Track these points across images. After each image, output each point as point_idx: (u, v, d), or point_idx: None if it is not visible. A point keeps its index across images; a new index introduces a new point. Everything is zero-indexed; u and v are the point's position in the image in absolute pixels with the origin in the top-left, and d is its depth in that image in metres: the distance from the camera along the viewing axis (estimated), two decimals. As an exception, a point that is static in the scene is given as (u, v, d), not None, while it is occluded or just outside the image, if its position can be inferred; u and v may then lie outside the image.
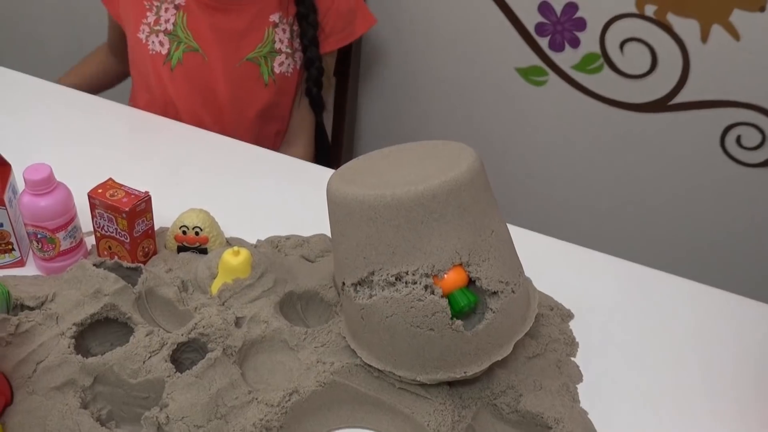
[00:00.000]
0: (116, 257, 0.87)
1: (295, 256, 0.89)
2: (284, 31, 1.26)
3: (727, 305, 0.93)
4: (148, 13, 1.23)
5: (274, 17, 1.25)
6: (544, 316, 0.86)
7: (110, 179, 0.87)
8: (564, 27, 1.29)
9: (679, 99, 1.27)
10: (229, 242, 0.92)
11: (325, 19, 1.27)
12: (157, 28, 1.23)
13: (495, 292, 0.71)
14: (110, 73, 1.40)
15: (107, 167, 0.99)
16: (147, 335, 0.76)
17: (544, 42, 1.32)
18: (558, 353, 0.83)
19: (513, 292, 0.72)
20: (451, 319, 0.70)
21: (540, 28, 1.31)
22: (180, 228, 0.88)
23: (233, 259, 0.81)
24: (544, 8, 1.29)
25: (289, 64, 1.28)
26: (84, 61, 1.41)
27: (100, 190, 0.85)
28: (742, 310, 0.92)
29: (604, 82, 1.31)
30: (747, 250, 1.35)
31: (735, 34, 1.18)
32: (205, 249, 0.89)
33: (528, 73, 1.36)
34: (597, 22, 1.26)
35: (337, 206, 0.74)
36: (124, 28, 1.27)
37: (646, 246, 1.41)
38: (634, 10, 1.22)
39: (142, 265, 0.83)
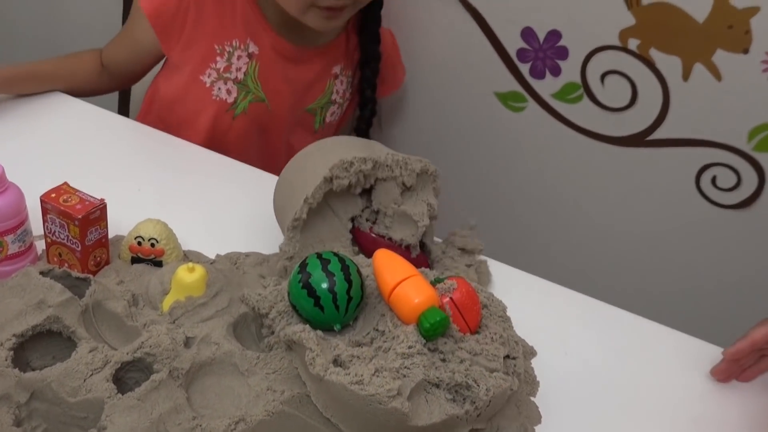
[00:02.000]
0: (66, 265, 0.84)
1: (253, 274, 0.86)
2: (342, 82, 1.27)
3: (690, 349, 0.91)
4: (219, 59, 1.17)
5: (336, 69, 1.25)
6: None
7: (65, 183, 0.84)
8: (546, 54, 1.28)
9: (657, 135, 1.26)
10: (187, 256, 0.89)
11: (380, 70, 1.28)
12: (227, 75, 1.18)
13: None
14: (87, 88, 1.24)
15: (65, 170, 0.96)
16: (90, 351, 0.73)
17: (525, 68, 1.30)
18: (518, 393, 0.80)
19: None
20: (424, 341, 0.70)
21: (522, 54, 1.30)
22: (135, 238, 0.85)
23: (187, 276, 0.78)
24: (527, 34, 1.28)
25: (338, 113, 1.29)
26: (64, 61, 1.24)
27: (53, 195, 0.82)
28: (705, 353, 0.90)
29: (582, 112, 1.30)
30: (717, 292, 1.34)
31: (717, 74, 1.17)
32: (161, 262, 0.86)
33: (507, 98, 1.35)
34: (579, 52, 1.25)
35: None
36: (172, 64, 1.19)
37: (615, 283, 1.39)
38: (617, 42, 1.21)
39: (91, 276, 0.80)
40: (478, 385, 0.70)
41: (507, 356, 0.76)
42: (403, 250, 0.88)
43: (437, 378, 0.70)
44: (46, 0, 1.79)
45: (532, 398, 0.81)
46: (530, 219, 1.44)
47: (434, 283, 0.76)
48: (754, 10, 1.11)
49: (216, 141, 1.20)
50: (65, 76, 1.21)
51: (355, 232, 0.90)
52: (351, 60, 1.27)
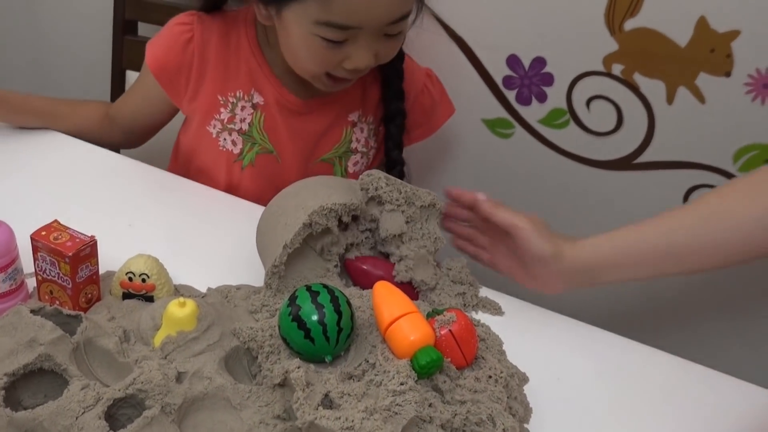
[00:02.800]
0: (57, 302, 0.84)
1: (244, 307, 0.86)
2: (362, 130, 1.20)
3: (686, 373, 0.91)
4: (222, 110, 1.15)
5: (353, 116, 1.19)
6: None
7: (55, 221, 0.84)
8: (531, 81, 1.29)
9: (643, 158, 1.27)
10: (178, 290, 0.89)
11: (409, 116, 1.21)
12: (231, 126, 1.15)
13: None
14: (87, 133, 1.22)
15: (55, 208, 0.96)
16: (82, 389, 0.72)
17: (511, 95, 1.32)
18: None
19: None
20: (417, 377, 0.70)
21: (508, 81, 1.31)
22: (126, 274, 0.85)
23: (178, 311, 0.78)
24: (513, 61, 1.29)
25: (363, 163, 1.23)
26: (67, 101, 1.23)
27: (43, 233, 0.82)
28: (698, 377, 0.90)
29: (569, 137, 1.31)
30: (711, 315, 1.35)
31: (700, 97, 1.19)
32: (152, 297, 0.86)
33: (494, 125, 1.36)
34: (564, 78, 1.27)
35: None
36: (185, 114, 1.19)
37: (606, 308, 1.39)
38: (601, 68, 1.23)
39: (82, 313, 0.80)
40: (495, 425, 0.71)
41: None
42: (394, 280, 0.89)
43: (429, 416, 0.70)
44: (35, 29, 1.79)
45: (525, 425, 0.81)
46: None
47: (433, 314, 0.77)
48: (734, 34, 1.13)
49: (233, 192, 1.17)
50: (64, 116, 1.20)
51: (345, 263, 0.90)
52: (371, 107, 1.21)
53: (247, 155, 1.16)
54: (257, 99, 1.15)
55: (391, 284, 0.79)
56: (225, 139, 1.16)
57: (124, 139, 1.26)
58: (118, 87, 1.48)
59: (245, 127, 1.15)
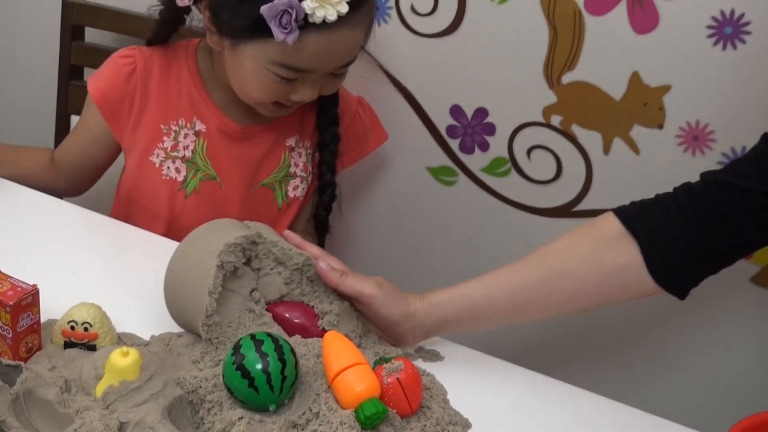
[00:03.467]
0: (-3, 352, 0.82)
1: (187, 356, 0.86)
2: (300, 155, 1.23)
3: (633, 422, 0.92)
4: (166, 138, 1.17)
5: (291, 141, 1.22)
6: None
7: (-4, 269, 0.83)
8: (474, 130, 1.32)
9: (582, 206, 1.30)
10: (121, 338, 0.88)
11: (341, 140, 1.24)
12: (174, 154, 1.17)
13: None
14: (31, 179, 1.21)
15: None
16: (20, 441, 0.71)
17: (454, 144, 1.34)
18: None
19: None
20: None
21: (451, 130, 1.33)
22: (68, 323, 0.84)
23: (121, 361, 0.77)
24: (456, 111, 1.32)
25: (303, 188, 1.25)
26: (11, 147, 1.24)
27: (-17, 281, 0.81)
28: (644, 425, 0.91)
29: (511, 185, 1.33)
30: (655, 362, 1.37)
31: (635, 148, 1.23)
32: (94, 346, 0.85)
33: (438, 173, 1.38)
34: (506, 128, 1.30)
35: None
36: (125, 150, 1.19)
37: (553, 354, 1.41)
38: (541, 119, 1.26)
39: (22, 363, 0.79)
40: None
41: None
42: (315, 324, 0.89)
43: None
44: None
45: (467, 472, 0.82)
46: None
47: (381, 362, 0.78)
48: (665, 89, 1.18)
49: (175, 225, 1.19)
50: (9, 162, 1.20)
51: (268, 308, 0.90)
52: (307, 133, 1.24)
53: (191, 182, 1.18)
54: (199, 126, 1.17)
55: (341, 335, 0.80)
56: (168, 167, 1.17)
57: (68, 185, 1.26)
58: (62, 132, 1.46)
59: (188, 154, 1.17)
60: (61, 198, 1.23)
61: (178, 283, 0.88)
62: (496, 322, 0.96)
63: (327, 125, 1.22)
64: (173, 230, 1.18)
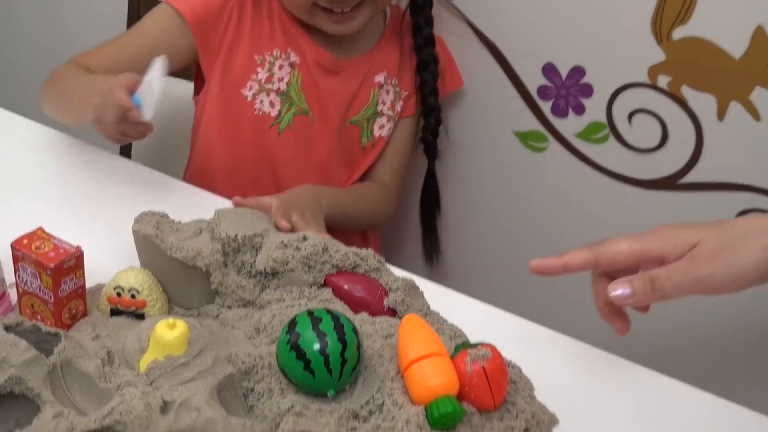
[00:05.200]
0: (39, 318, 0.77)
1: (240, 330, 0.78)
2: (387, 92, 1.23)
3: (739, 418, 0.82)
4: (260, 69, 1.14)
5: (380, 78, 1.21)
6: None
7: (40, 229, 0.77)
8: (569, 92, 1.24)
9: (689, 178, 1.22)
10: (173, 308, 0.82)
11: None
12: (269, 86, 1.15)
13: None
14: None
15: (44, 212, 0.90)
16: (54, 417, 0.65)
17: (546, 106, 1.27)
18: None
19: None
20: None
21: (543, 92, 1.26)
22: (114, 289, 0.78)
23: (167, 333, 0.70)
24: (549, 70, 1.24)
25: (389, 128, 1.25)
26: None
27: (25, 241, 0.75)
28: (747, 421, 0.82)
29: (608, 153, 1.26)
30: (750, 351, 1.27)
31: (755, 114, 1.13)
32: (143, 314, 0.78)
33: (527, 138, 1.31)
34: (605, 90, 1.22)
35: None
36: (210, 81, 1.15)
37: (647, 341, 1.31)
38: (646, 79, 1.18)
39: (62, 330, 0.72)
40: None
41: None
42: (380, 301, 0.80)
43: None
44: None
45: (554, 475, 0.72)
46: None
47: (464, 347, 0.68)
48: (795, 45, 1.06)
49: (265, 164, 1.18)
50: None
51: (326, 279, 0.81)
52: (397, 69, 1.23)
53: (285, 117, 1.16)
54: (294, 58, 1.15)
55: (421, 319, 0.72)
56: (262, 101, 1.15)
57: None
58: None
59: (283, 86, 1.16)
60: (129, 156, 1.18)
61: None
62: None
63: (423, 45, 1.21)
64: (262, 171, 1.16)
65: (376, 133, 1.24)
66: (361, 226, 1.26)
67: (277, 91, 1.15)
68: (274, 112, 1.16)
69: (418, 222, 1.42)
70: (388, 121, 1.24)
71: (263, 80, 1.14)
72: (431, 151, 1.32)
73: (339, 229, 1.15)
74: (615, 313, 0.76)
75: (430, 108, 1.26)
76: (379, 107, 1.22)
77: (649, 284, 0.69)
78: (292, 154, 1.18)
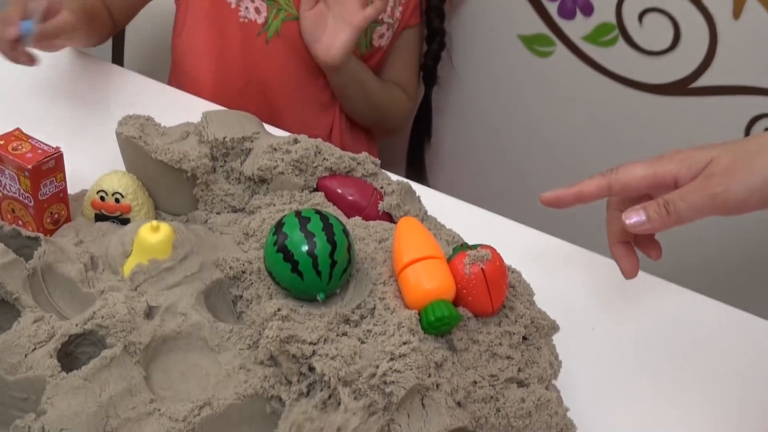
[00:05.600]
0: (20, 222, 0.74)
1: (231, 235, 0.76)
2: None
3: (742, 325, 0.81)
4: None
5: None
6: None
7: (17, 129, 0.74)
8: (577, -10, 1.20)
9: (701, 82, 1.18)
10: (159, 213, 0.79)
11: None
12: None
13: None
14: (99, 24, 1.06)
15: (24, 115, 0.86)
16: (34, 322, 0.63)
17: (552, 7, 1.22)
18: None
19: None
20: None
21: (549, -9, 1.22)
22: (98, 193, 0.75)
23: (150, 236, 0.67)
24: (556, -32, 1.20)
25: (388, 37, 1.19)
26: None
27: (2, 142, 0.72)
28: (755, 329, 0.81)
29: (617, 57, 1.22)
30: (758, 258, 1.25)
31: (773, 11, 1.08)
32: (128, 219, 0.76)
33: (532, 42, 1.27)
34: (614, -12, 1.17)
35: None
36: None
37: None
38: (658, -25, 1.13)
39: (41, 235, 0.70)
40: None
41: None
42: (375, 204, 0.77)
43: (436, 383, 0.59)
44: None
45: (553, 381, 0.70)
46: (557, 176, 1.34)
47: (463, 248, 0.65)
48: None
49: (254, 74, 1.13)
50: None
51: (318, 182, 0.78)
52: None
53: (273, 23, 1.10)
54: None
55: (418, 222, 0.68)
56: (247, 8, 1.10)
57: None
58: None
59: None
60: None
61: None
62: None
63: None
64: (251, 82, 1.12)
65: (375, 42, 1.17)
66: (374, 113, 1.20)
67: None
68: (260, 19, 1.10)
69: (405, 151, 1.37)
70: (388, 29, 1.17)
71: None
72: (430, 77, 1.28)
73: (351, 109, 1.14)
74: (625, 255, 0.74)
75: (434, 32, 1.21)
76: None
77: (663, 208, 0.66)
78: (281, 62, 1.13)
